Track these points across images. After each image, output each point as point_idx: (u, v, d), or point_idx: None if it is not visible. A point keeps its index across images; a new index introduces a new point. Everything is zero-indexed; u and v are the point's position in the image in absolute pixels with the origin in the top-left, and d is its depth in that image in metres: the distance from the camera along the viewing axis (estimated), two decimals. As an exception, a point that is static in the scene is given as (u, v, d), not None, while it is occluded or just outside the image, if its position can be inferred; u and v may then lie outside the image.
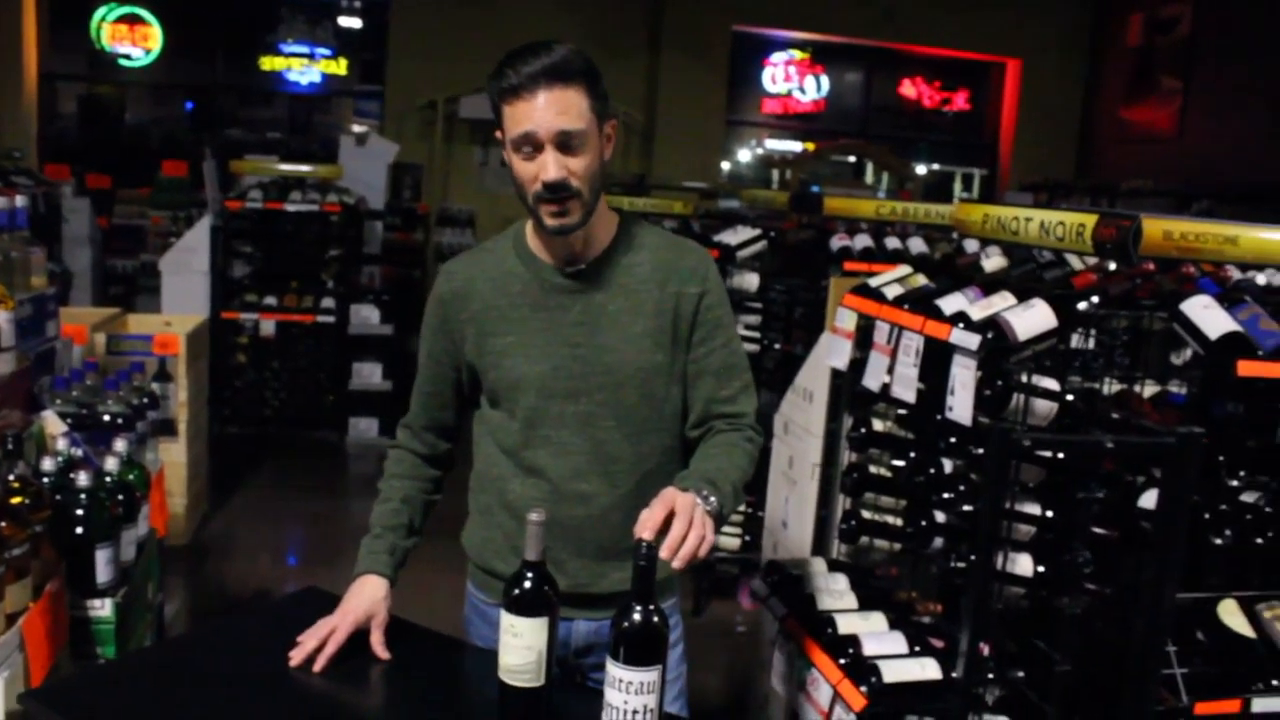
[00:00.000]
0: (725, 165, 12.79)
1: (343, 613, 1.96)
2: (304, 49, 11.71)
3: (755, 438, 2.05)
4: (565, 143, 1.85)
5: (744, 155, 13.34)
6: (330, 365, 7.60)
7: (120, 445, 2.82)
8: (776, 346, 4.94)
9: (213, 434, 6.23)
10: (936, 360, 2.35)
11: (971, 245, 3.49)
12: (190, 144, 11.47)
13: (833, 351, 2.84)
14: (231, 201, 7.40)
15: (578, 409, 1.99)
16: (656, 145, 11.70)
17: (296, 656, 1.89)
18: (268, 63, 11.71)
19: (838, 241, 4.80)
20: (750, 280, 4.91)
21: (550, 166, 1.85)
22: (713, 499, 1.79)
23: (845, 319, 2.77)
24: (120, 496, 2.69)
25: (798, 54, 12.95)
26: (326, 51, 11.73)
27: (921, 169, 13.63)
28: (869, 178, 12.97)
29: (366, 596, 2.00)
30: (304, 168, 7.81)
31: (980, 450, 2.36)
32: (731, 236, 4.98)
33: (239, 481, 6.49)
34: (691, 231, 6.70)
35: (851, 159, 13.10)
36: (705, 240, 5.16)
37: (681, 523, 1.66)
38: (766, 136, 13.52)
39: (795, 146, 13.27)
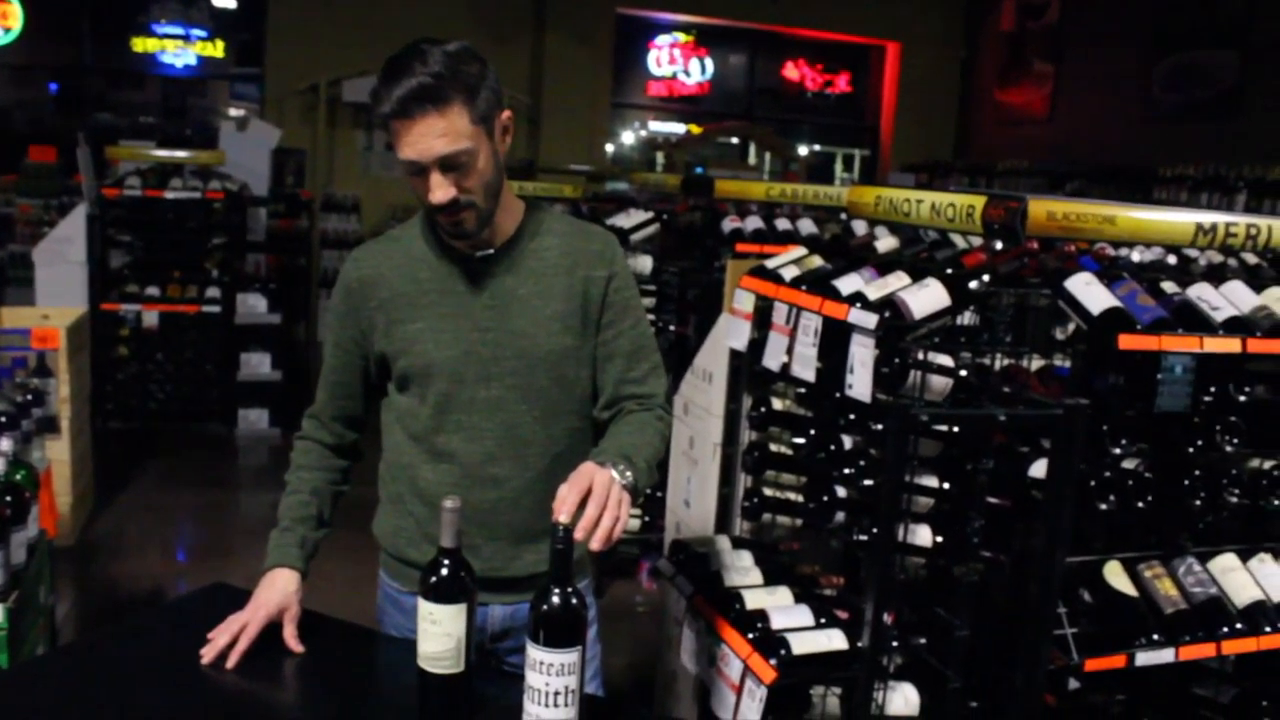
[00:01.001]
0: (610, 148, 12.81)
1: (254, 607, 1.94)
2: (178, 30, 11.32)
3: (666, 416, 2.08)
4: (449, 164, 1.85)
5: (628, 138, 13.38)
6: (217, 356, 7.42)
7: (6, 444, 2.74)
8: (671, 329, 4.98)
9: (96, 429, 6.04)
10: (835, 339, 2.39)
11: (860, 226, 3.57)
12: (58, 129, 11.02)
13: (731, 333, 2.87)
14: (109, 189, 7.16)
15: (489, 393, 1.99)
16: (543, 129, 11.66)
17: (208, 654, 1.86)
18: (140, 44, 11.31)
19: (729, 224, 4.85)
20: (644, 263, 4.94)
21: (435, 190, 1.86)
22: (628, 474, 1.78)
23: (743, 300, 2.80)
24: (8, 498, 2.61)
25: (682, 37, 13.02)
26: (202, 33, 11.39)
27: (804, 150, 13.85)
28: (753, 159, 13.13)
29: (278, 590, 1.97)
30: (184, 153, 7.59)
31: (880, 426, 2.43)
32: (624, 220, 5.00)
33: (125, 478, 6.31)
34: (581, 214, 6.71)
35: (735, 141, 13.23)
36: (598, 224, 5.17)
37: (595, 504, 1.66)
38: (652, 119, 13.59)
39: (679, 129, 13.36)
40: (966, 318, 2.44)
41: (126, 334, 7.22)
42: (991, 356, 2.44)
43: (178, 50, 11.32)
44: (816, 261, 2.75)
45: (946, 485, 2.40)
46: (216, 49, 11.51)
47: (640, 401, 2.08)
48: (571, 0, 11.55)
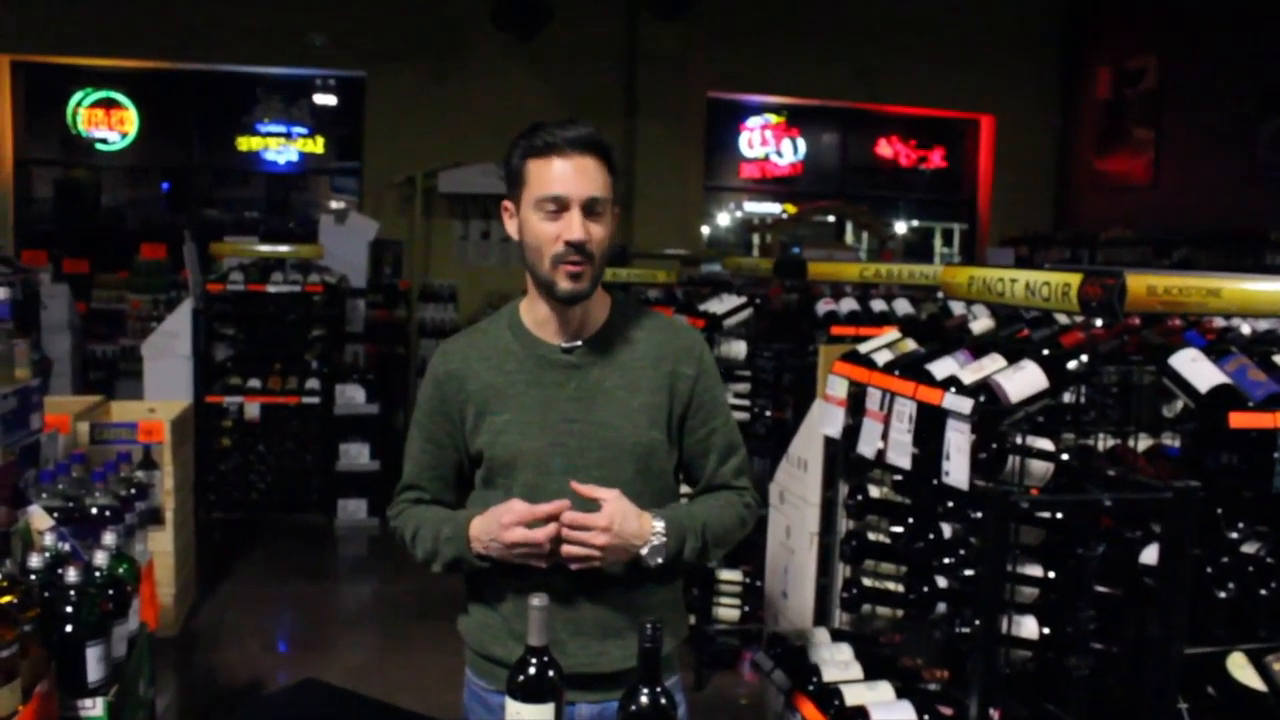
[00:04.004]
0: (705, 230, 12.90)
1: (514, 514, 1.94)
2: (281, 128, 11.80)
3: (753, 505, 2.14)
4: (591, 208, 1.95)
5: (723, 219, 13.47)
6: (317, 447, 7.57)
7: (109, 539, 2.80)
8: (767, 414, 4.95)
9: (199, 521, 6.18)
10: (930, 425, 2.37)
11: (958, 305, 3.54)
12: (168, 226, 11.52)
13: (825, 419, 2.85)
14: (213, 284, 7.43)
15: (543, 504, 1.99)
16: (636, 214, 11.79)
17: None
18: (245, 143, 11.80)
19: (823, 306, 4.84)
20: (738, 348, 4.94)
21: (576, 226, 1.94)
22: (660, 530, 1.95)
23: (837, 386, 2.79)
24: (110, 591, 2.67)
25: (773, 118, 13.12)
26: (303, 130, 11.83)
27: (901, 227, 13.78)
28: (849, 238, 13.10)
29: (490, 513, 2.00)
30: (284, 248, 7.84)
31: (979, 514, 2.37)
32: (718, 305, 5.01)
33: (227, 569, 6.43)
34: (676, 300, 6.76)
35: (831, 220, 13.24)
36: (691, 309, 5.20)
37: (591, 536, 1.88)
38: (746, 200, 13.66)
39: (774, 209, 13.41)
40: (1068, 398, 2.39)
41: (229, 425, 7.42)
42: (1095, 438, 2.38)
43: (280, 147, 11.78)
44: (910, 345, 2.73)
45: (1052, 574, 2.33)
46: (317, 145, 11.94)
47: (735, 493, 2.14)
48: (663, 85, 11.73)
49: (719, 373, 2.18)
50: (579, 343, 2.07)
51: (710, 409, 2.12)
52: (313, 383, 7.49)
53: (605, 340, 2.08)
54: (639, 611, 1.99)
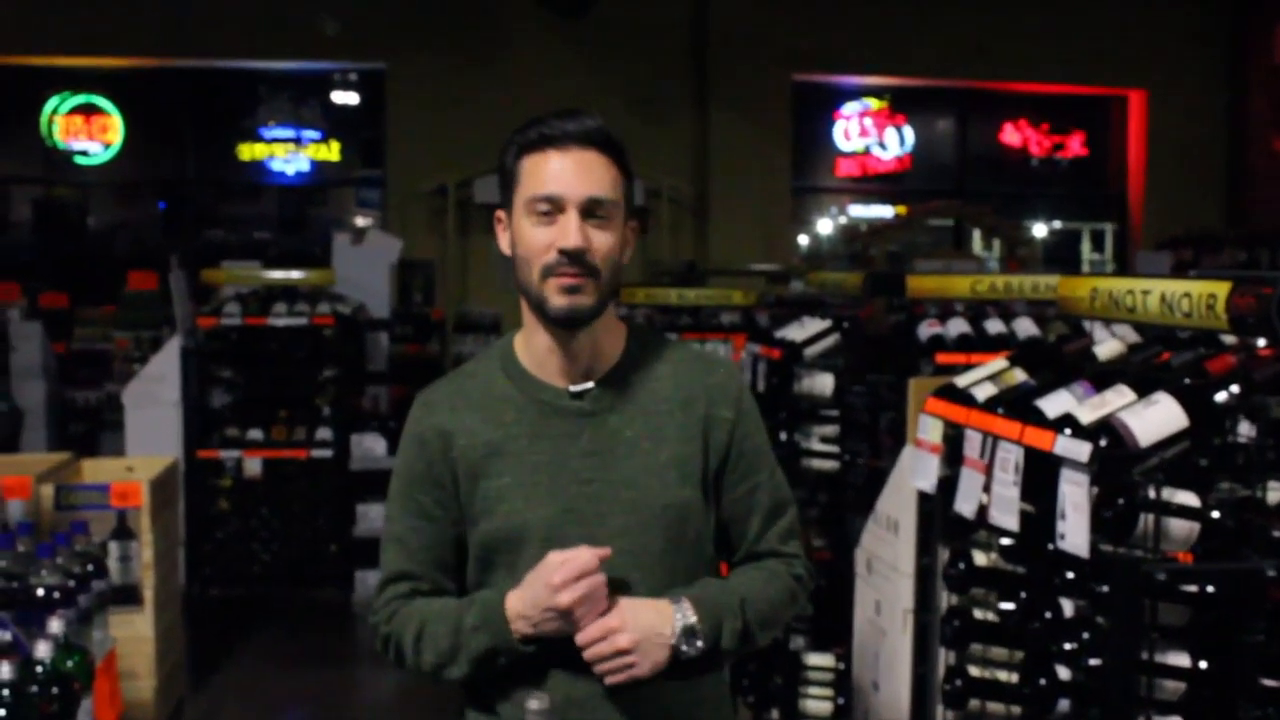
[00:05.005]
0: (803, 241, 12.87)
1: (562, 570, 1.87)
2: (288, 132, 11.99)
3: (806, 576, 2.10)
4: (592, 211, 1.94)
5: (825, 227, 13.42)
6: (330, 509, 7.61)
7: (55, 626, 2.81)
8: (860, 461, 4.87)
9: (190, 598, 6.24)
10: (1042, 475, 2.32)
11: (1096, 327, 3.44)
12: (164, 250, 11.73)
13: (917, 469, 2.81)
14: (204, 318, 7.52)
15: (580, 548, 1.94)
16: (711, 223, 11.80)
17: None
18: (247, 150, 12.04)
19: (927, 329, 4.75)
20: (823, 382, 4.86)
21: (572, 231, 1.92)
22: (692, 620, 1.91)
23: (929, 428, 2.75)
24: (55, 690, 2.67)
25: (874, 103, 13.07)
26: (315, 134, 12.02)
27: (1042, 229, 13.59)
28: (978, 246, 12.95)
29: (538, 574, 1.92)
30: (286, 274, 7.90)
31: (1105, 587, 2.28)
32: (797, 331, 4.94)
33: (223, 655, 6.47)
34: (755, 326, 6.70)
35: (949, 223, 13.11)
36: (765, 337, 5.14)
37: (605, 645, 1.87)
38: (848, 203, 13.62)
39: (884, 212, 13.31)
40: (1217, 439, 2.30)
41: (227, 484, 7.49)
42: (1254, 489, 2.28)
43: (289, 155, 12.00)
44: (1019, 376, 2.67)
45: (1202, 664, 2.24)
46: (331, 151, 12.15)
47: (784, 561, 2.09)
48: (739, 68, 11.75)
49: (760, 414, 2.15)
50: (590, 384, 2.04)
51: (752, 460, 2.08)
52: (324, 432, 7.54)
53: (622, 379, 2.05)
54: (679, 714, 1.98)
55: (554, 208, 1.93)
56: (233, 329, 7.59)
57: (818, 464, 4.90)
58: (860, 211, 13.68)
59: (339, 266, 8.56)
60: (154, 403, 7.28)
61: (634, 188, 2.03)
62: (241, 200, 13.19)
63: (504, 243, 2.05)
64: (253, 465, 7.39)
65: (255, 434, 7.48)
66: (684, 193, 11.69)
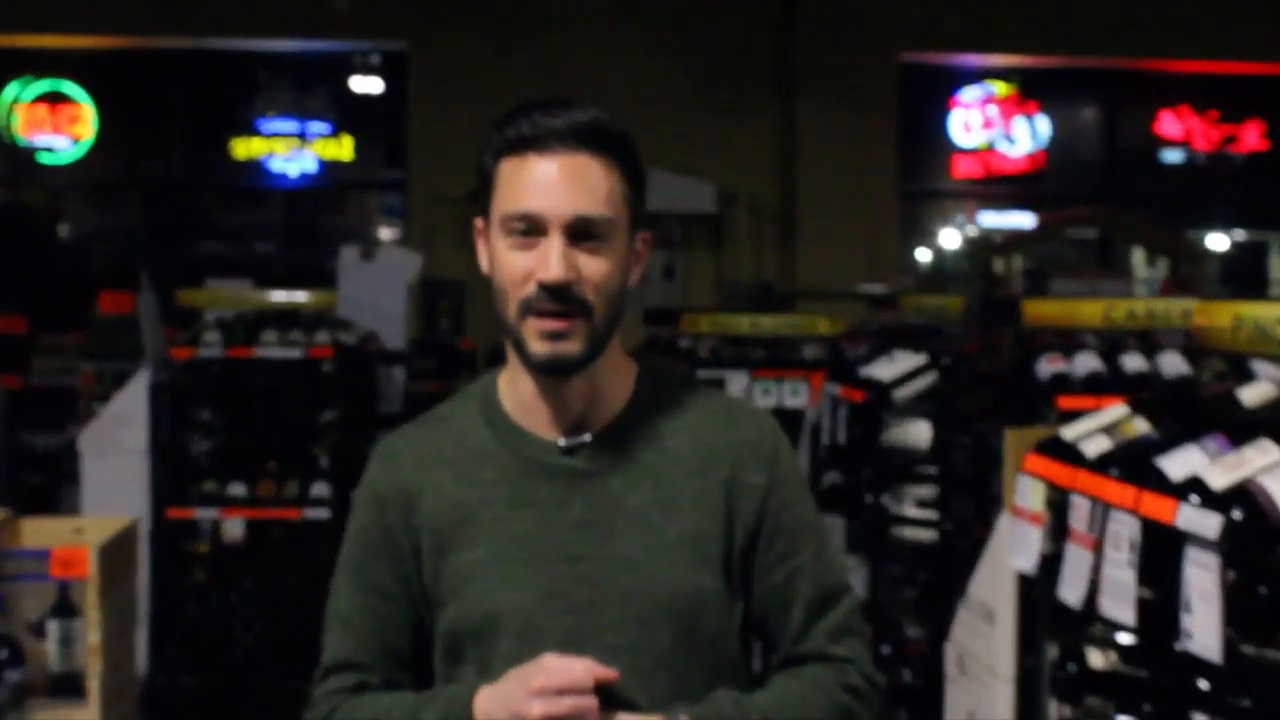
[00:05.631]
0: (926, 256, 12.83)
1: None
2: (292, 125, 12.12)
3: (863, 688, 2.01)
4: (582, 232, 1.89)
5: (948, 239, 13.37)
6: (326, 581, 7.56)
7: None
8: (962, 532, 4.80)
9: (154, 689, 6.24)
10: (1164, 554, 2.27)
11: (1265, 367, 3.36)
12: (151, 265, 11.86)
13: (1015, 544, 2.78)
14: (180, 349, 7.56)
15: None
16: (799, 235, 11.76)
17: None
18: (243, 147, 12.16)
19: (1047, 365, 4.68)
20: (917, 432, 4.83)
21: (553, 261, 1.87)
22: None
23: (1029, 492, 2.71)
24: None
25: (1000, 87, 13.00)
26: (323, 128, 12.13)
27: (1223, 240, 13.43)
28: (1140, 265, 12.81)
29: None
30: (281, 295, 7.94)
31: (1246, 701, 2.20)
32: (885, 368, 4.89)
33: (193, 759, 6.48)
34: (843, 360, 6.61)
35: (1093, 234, 13.00)
36: (847, 375, 5.08)
37: None
38: (975, 209, 13.55)
39: (1025, 221, 13.20)
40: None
41: (203, 550, 7.52)
42: None
43: (291, 152, 12.09)
44: (1140, 426, 2.60)
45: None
46: (343, 149, 12.25)
47: (833, 667, 2.01)
48: (834, 46, 11.74)
49: (804, 478, 2.13)
50: (586, 437, 2.00)
51: (792, 537, 2.03)
52: (322, 488, 7.53)
53: (626, 434, 2.01)
54: None
55: (533, 228, 1.89)
56: (213, 361, 7.62)
57: (912, 533, 4.85)
58: (993, 220, 13.58)
59: (345, 287, 8.61)
60: (116, 450, 7.31)
61: (643, 191, 1.99)
62: (242, 206, 13.33)
63: (484, 260, 2.01)
64: (234, 527, 7.41)
65: (238, 489, 7.49)
66: (766, 199, 11.65)
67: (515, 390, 2.04)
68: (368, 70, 12.38)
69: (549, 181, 1.88)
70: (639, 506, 1.98)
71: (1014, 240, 12.30)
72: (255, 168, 12.28)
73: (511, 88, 11.15)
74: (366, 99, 12.44)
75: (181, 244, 12.35)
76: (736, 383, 6.20)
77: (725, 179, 11.21)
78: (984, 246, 12.54)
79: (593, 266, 1.90)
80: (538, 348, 1.90)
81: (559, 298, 1.88)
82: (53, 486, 9.80)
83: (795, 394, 6.21)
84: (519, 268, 1.90)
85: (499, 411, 2.05)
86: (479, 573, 1.98)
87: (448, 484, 2.02)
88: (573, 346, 1.90)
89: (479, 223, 2.01)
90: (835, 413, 5.02)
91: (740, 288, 10.50)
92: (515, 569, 1.96)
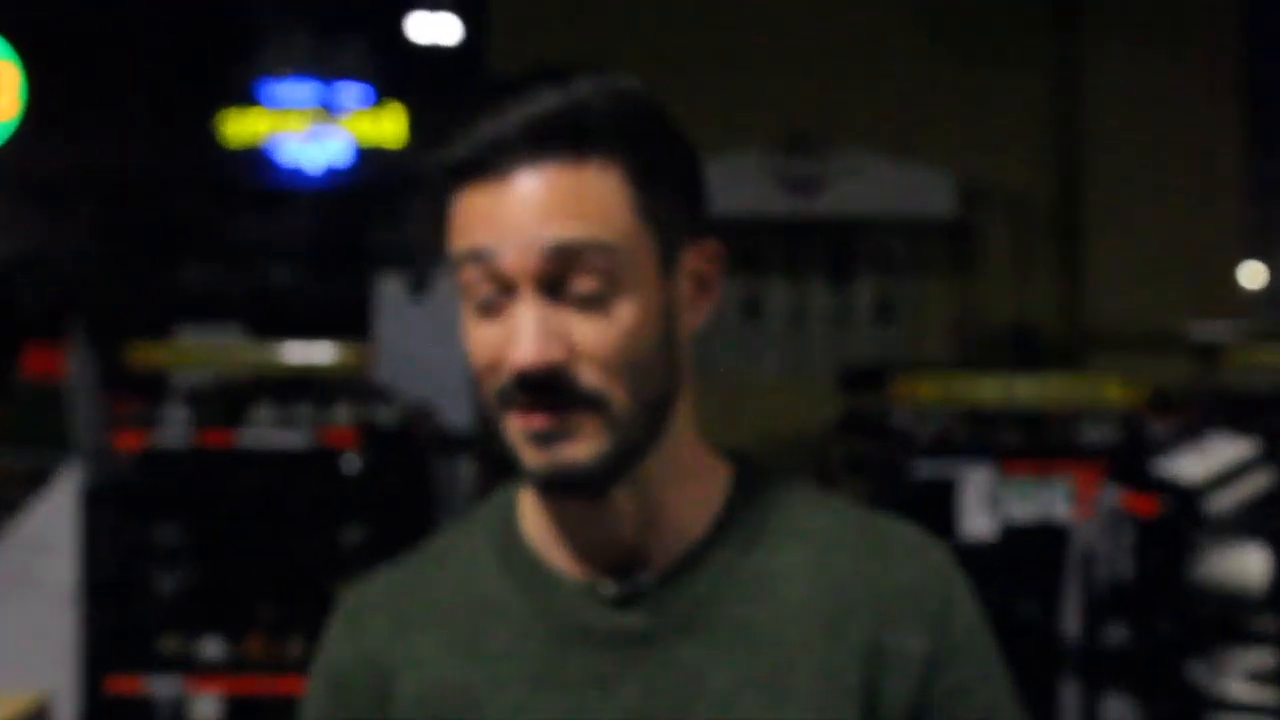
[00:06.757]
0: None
1: None
2: (308, 90, 12.12)
3: None
4: (562, 276, 1.80)
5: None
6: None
7: None
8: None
9: None
10: None
11: None
12: (97, 306, 12.08)
13: None
14: (128, 434, 7.63)
15: None
16: (1090, 248, 11.68)
17: None
18: (237, 126, 12.24)
19: None
20: (1249, 567, 4.73)
21: (524, 333, 1.79)
22: None
23: None
24: None
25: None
26: (359, 94, 12.18)
27: None
28: None
29: None
30: (289, 350, 7.99)
31: None
32: (1194, 463, 4.82)
33: None
34: (1140, 440, 6.53)
35: None
36: (1137, 474, 5.02)
37: None
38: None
39: None
40: None
41: (160, 745, 7.58)
42: None
43: (310, 133, 12.14)
44: None
45: None
46: (390, 128, 12.29)
47: None
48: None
49: (992, 644, 2.02)
50: (645, 580, 1.94)
51: None
52: (339, 647, 7.57)
53: (708, 574, 1.95)
54: None
55: (493, 281, 1.82)
56: (178, 454, 7.68)
57: (1250, 722, 4.82)
58: None
59: (387, 336, 8.66)
60: (29, 587, 7.39)
61: (688, 185, 1.90)
62: (236, 215, 13.50)
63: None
64: (205, 708, 7.45)
65: (213, 648, 7.55)
66: (1034, 196, 11.60)
67: (541, 512, 1.99)
68: (432, 4, 12.41)
69: (504, 209, 1.81)
70: (728, 688, 1.91)
71: None
72: (255, 158, 12.42)
73: (637, 38, 11.28)
74: (426, 54, 12.47)
75: (146, 271, 12.52)
76: (976, 483, 6.14)
77: (971, 167, 11.17)
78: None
79: (593, 333, 1.81)
80: (530, 460, 1.84)
81: (541, 389, 1.82)
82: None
83: (1068, 501, 6.14)
84: (485, 345, 1.84)
85: (519, 544, 2.01)
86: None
87: (440, 656, 1.98)
88: (578, 451, 1.83)
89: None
90: (1117, 532, 4.96)
91: (992, 332, 10.47)
92: (542, 782, 1.96)
